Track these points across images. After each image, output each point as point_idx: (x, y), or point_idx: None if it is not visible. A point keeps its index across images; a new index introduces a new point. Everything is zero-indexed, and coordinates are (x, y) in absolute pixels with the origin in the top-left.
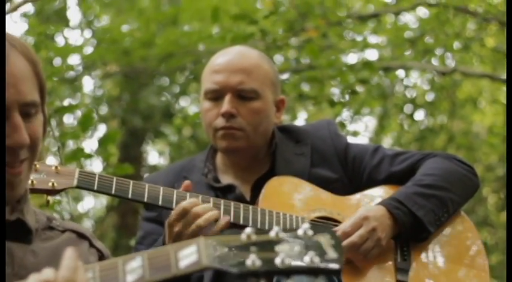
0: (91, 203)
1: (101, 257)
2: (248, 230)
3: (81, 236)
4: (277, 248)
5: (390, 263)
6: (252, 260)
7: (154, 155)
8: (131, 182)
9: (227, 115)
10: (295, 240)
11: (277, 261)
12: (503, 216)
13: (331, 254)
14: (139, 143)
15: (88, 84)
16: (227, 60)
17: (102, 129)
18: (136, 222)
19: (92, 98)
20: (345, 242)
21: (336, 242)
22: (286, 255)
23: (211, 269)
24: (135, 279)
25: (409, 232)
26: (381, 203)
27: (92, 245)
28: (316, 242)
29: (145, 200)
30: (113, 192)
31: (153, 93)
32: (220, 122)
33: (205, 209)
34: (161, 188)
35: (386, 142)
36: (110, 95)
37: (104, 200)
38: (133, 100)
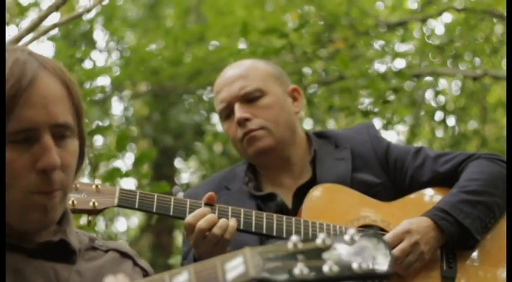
0: (123, 224)
1: (145, 275)
2: (294, 238)
3: (124, 255)
4: (325, 255)
5: (436, 271)
6: (300, 269)
7: (186, 173)
8: (172, 198)
9: (242, 121)
10: (342, 247)
11: (325, 268)
12: None
13: (380, 258)
14: (171, 162)
15: (117, 105)
16: (223, 77)
17: (133, 150)
18: (171, 241)
19: (123, 118)
20: None
21: (385, 246)
22: (334, 262)
23: (259, 279)
24: None
25: (456, 241)
26: (426, 215)
27: (136, 263)
28: (364, 246)
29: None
30: (155, 209)
31: (183, 111)
32: (240, 132)
33: (211, 221)
34: (202, 203)
35: None
36: (140, 115)
37: (136, 220)
38: (164, 119)
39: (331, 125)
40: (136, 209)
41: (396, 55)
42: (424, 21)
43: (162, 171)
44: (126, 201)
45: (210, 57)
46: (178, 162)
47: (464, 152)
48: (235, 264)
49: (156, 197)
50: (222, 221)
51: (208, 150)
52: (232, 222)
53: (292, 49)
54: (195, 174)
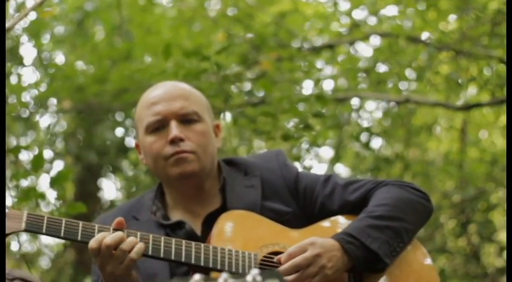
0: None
1: None
2: (197, 276)
3: None
4: None
5: None
6: None
7: (111, 190)
8: (80, 223)
9: (177, 140)
10: None
11: None
12: (461, 242)
13: None
14: (95, 179)
15: (44, 121)
16: (162, 91)
17: (59, 166)
18: None
19: (48, 134)
20: (288, 263)
21: None
22: None
23: None
24: None
25: (364, 265)
26: (333, 238)
27: None
28: None
29: None
30: (62, 234)
31: (108, 129)
32: (169, 149)
33: (118, 238)
34: (111, 229)
35: (343, 171)
36: (65, 132)
37: None
38: (88, 136)
39: (257, 144)
40: (44, 234)
41: (319, 80)
42: (351, 44)
43: (86, 188)
44: (34, 226)
45: (135, 76)
46: (102, 180)
47: (373, 180)
48: None
49: (64, 221)
50: (131, 238)
51: (133, 167)
52: (141, 244)
53: (218, 70)
54: (120, 192)
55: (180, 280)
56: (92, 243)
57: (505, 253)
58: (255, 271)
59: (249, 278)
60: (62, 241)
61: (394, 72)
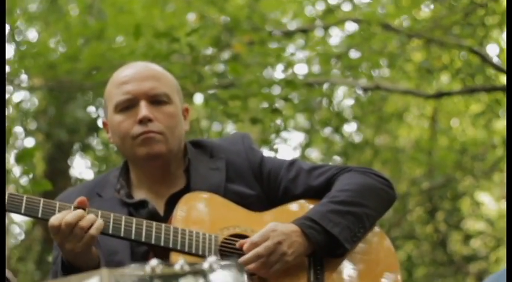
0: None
1: None
2: (153, 262)
3: None
4: (182, 281)
5: (303, 281)
6: None
7: (81, 168)
8: (42, 200)
9: (145, 120)
10: (199, 274)
11: None
12: (428, 229)
13: None
14: (65, 157)
15: (15, 98)
16: (133, 71)
17: (29, 143)
18: None
19: (19, 111)
20: (250, 253)
21: (241, 276)
22: None
23: None
24: None
25: (325, 250)
26: (294, 222)
27: None
28: (220, 276)
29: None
30: (23, 211)
31: (79, 107)
32: (137, 129)
33: (78, 215)
34: (72, 207)
35: (313, 157)
36: (36, 109)
37: None
38: (59, 113)
39: (229, 126)
40: (6, 211)
41: (290, 63)
42: (325, 29)
43: (56, 166)
44: None
45: (108, 55)
46: (73, 158)
47: (338, 165)
48: None
49: (25, 198)
50: (90, 215)
51: (104, 146)
52: (100, 221)
53: (191, 51)
54: (90, 170)
55: (137, 265)
56: (53, 220)
57: (471, 241)
58: (212, 258)
59: (205, 265)
60: (30, 219)
61: (365, 58)
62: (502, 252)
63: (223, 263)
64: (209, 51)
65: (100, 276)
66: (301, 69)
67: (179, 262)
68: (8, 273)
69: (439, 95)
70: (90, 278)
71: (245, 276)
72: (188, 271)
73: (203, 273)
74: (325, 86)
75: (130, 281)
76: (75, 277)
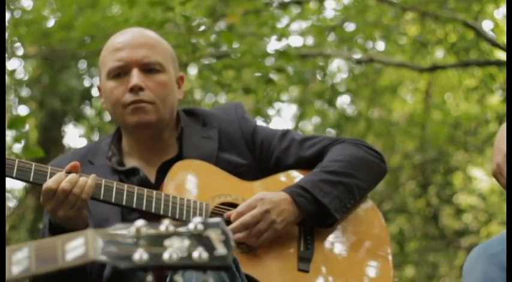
0: (13, 184)
1: None
2: (139, 222)
3: None
4: (166, 242)
5: (293, 251)
6: (140, 254)
7: (74, 137)
8: (33, 164)
9: (136, 88)
10: (185, 235)
11: (165, 256)
12: (420, 203)
13: (220, 250)
14: (59, 126)
15: (8, 66)
16: (128, 38)
17: (23, 112)
18: None
19: (13, 79)
20: (236, 222)
21: (227, 237)
22: (175, 250)
23: (98, 262)
24: (20, 270)
25: (314, 219)
26: (284, 190)
27: None
28: (206, 237)
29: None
30: (14, 175)
31: (73, 76)
32: (128, 97)
33: (73, 180)
34: (64, 172)
35: (307, 129)
36: (30, 77)
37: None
38: (53, 82)
39: (223, 98)
40: None
41: (284, 34)
42: (321, 1)
43: (49, 135)
44: None
45: (102, 24)
46: (66, 126)
47: (330, 137)
48: (75, 245)
49: (16, 162)
50: (81, 179)
51: (98, 116)
52: (90, 181)
53: (186, 20)
54: (83, 139)
55: (123, 225)
56: (51, 183)
57: (463, 216)
58: (197, 219)
59: (190, 225)
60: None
61: (360, 30)
62: (494, 227)
63: (208, 222)
64: (204, 21)
65: (85, 236)
66: (295, 42)
67: (164, 222)
68: None
69: (433, 69)
70: (75, 238)
71: (230, 235)
72: (173, 232)
73: (188, 234)
74: (320, 59)
75: (116, 241)
76: (62, 237)
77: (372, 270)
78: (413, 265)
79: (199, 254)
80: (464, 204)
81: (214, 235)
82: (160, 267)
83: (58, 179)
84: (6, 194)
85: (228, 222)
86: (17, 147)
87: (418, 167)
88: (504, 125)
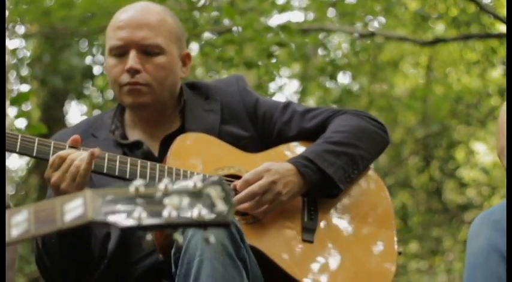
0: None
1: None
2: (137, 182)
3: None
4: (166, 200)
5: (297, 221)
6: (139, 213)
7: (76, 116)
8: (36, 139)
9: (132, 71)
10: (184, 193)
11: (165, 214)
12: (423, 177)
13: (220, 206)
14: (61, 104)
15: (10, 45)
16: (130, 16)
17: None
18: None
19: (14, 58)
20: (243, 192)
21: (227, 194)
22: (174, 208)
23: (97, 222)
24: (20, 233)
25: (319, 190)
26: (289, 161)
27: None
28: (205, 194)
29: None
30: (18, 149)
31: (74, 54)
32: (125, 78)
33: (81, 153)
34: (67, 145)
35: (309, 104)
36: (31, 56)
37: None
38: (54, 61)
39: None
40: None
41: (285, 8)
42: None
43: (51, 114)
44: None
45: (102, 1)
46: (68, 105)
47: (332, 108)
48: (74, 206)
49: (19, 137)
50: (84, 152)
51: (100, 94)
52: (89, 155)
53: None
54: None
55: (121, 185)
56: (57, 154)
57: (466, 190)
58: (197, 177)
59: (190, 183)
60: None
61: (361, 4)
62: (497, 200)
63: (207, 180)
64: None
65: (84, 196)
66: (296, 17)
67: (163, 181)
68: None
69: (435, 42)
70: (74, 199)
71: (230, 193)
72: (172, 190)
73: (188, 192)
74: (321, 34)
75: (114, 200)
76: (60, 198)
77: (376, 241)
78: (417, 240)
79: (199, 211)
80: (467, 179)
81: (214, 192)
82: (159, 225)
83: (66, 152)
84: (10, 173)
85: (235, 190)
86: (20, 124)
87: (420, 142)
88: (505, 106)
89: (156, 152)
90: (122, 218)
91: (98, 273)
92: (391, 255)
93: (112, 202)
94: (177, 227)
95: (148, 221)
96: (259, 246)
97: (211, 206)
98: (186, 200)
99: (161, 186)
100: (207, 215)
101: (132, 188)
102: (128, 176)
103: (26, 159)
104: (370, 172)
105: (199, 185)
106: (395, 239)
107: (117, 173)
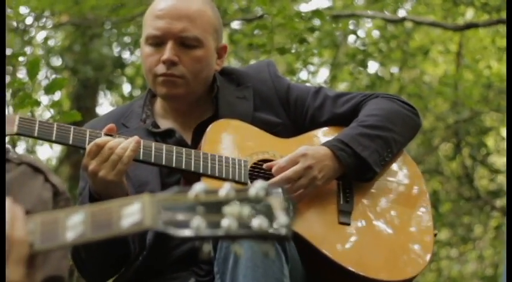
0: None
1: (56, 192)
2: (198, 187)
3: (36, 170)
4: (225, 209)
5: (333, 205)
6: (198, 223)
7: (107, 106)
8: (72, 127)
9: (168, 62)
10: (245, 202)
11: (224, 224)
12: (454, 165)
13: (281, 218)
14: (92, 94)
15: (40, 36)
16: (170, 5)
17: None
18: None
19: (44, 49)
20: (278, 177)
21: (289, 205)
22: (234, 218)
23: (154, 230)
24: (75, 236)
25: (354, 173)
26: (324, 144)
27: (47, 179)
28: (267, 205)
29: (87, 146)
30: (54, 138)
31: (105, 44)
32: (161, 68)
33: (120, 141)
34: (102, 134)
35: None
36: (62, 46)
37: (57, 150)
38: (85, 50)
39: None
40: (35, 138)
41: None
42: None
43: (82, 104)
44: (25, 129)
45: None
46: (100, 95)
47: (364, 92)
48: (132, 211)
49: (55, 125)
50: (126, 140)
51: (130, 83)
52: (134, 144)
53: None
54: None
55: (180, 190)
56: (98, 141)
57: (497, 176)
58: (258, 184)
59: (252, 191)
60: (56, 155)
61: None
62: None
63: (269, 190)
64: None
65: (142, 201)
66: (325, 4)
67: (225, 187)
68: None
69: (467, 27)
70: (131, 203)
71: (293, 205)
72: (233, 198)
73: (248, 200)
74: (351, 21)
75: (173, 207)
76: (118, 201)
77: (412, 222)
78: (448, 227)
79: (259, 223)
80: (498, 165)
81: (275, 202)
82: (218, 237)
83: (104, 139)
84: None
85: (269, 171)
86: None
87: (451, 128)
88: None
89: (189, 140)
90: (179, 227)
91: (137, 264)
92: (428, 233)
93: (170, 209)
94: (235, 239)
95: (206, 231)
96: (296, 229)
97: (272, 218)
98: (246, 210)
99: (222, 193)
100: (267, 227)
101: (192, 194)
102: (163, 162)
103: (56, 149)
104: (404, 155)
105: (262, 193)
106: (431, 219)
107: (153, 160)
